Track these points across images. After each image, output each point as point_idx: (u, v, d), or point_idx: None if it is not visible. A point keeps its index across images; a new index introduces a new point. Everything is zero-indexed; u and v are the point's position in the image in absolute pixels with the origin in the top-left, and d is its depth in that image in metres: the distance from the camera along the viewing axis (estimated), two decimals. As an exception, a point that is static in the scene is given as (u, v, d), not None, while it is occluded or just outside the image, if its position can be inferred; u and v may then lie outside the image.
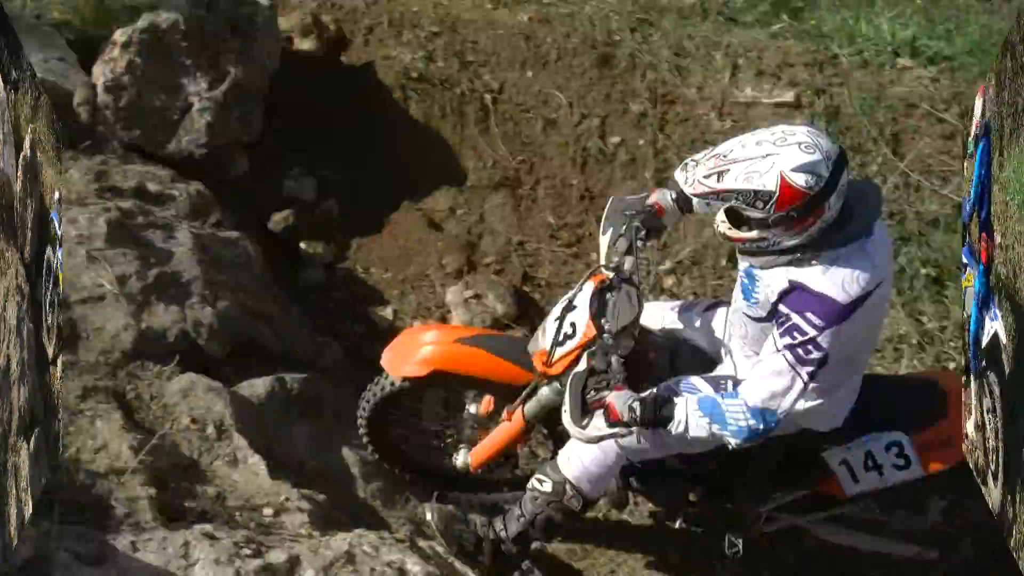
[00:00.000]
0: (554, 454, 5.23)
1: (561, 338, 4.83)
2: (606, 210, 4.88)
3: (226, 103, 6.84)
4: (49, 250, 4.27)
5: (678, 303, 5.14)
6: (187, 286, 5.85)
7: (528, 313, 6.86)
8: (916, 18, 7.92)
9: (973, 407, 4.71)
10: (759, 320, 4.51)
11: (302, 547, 4.79)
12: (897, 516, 5.32)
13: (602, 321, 4.69)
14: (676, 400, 4.46)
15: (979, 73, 7.12)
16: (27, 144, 3.93)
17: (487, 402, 5.48)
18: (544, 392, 5.05)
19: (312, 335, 6.40)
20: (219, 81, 6.87)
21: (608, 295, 4.72)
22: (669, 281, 7.13)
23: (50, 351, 4.31)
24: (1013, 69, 4.07)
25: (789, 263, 4.32)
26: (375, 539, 4.96)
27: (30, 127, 4.00)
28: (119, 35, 6.80)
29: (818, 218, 4.20)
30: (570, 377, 4.63)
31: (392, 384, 5.38)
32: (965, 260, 4.87)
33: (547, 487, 5.08)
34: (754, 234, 4.30)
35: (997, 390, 4.34)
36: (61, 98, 6.70)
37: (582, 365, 4.67)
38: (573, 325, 4.82)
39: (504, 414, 5.25)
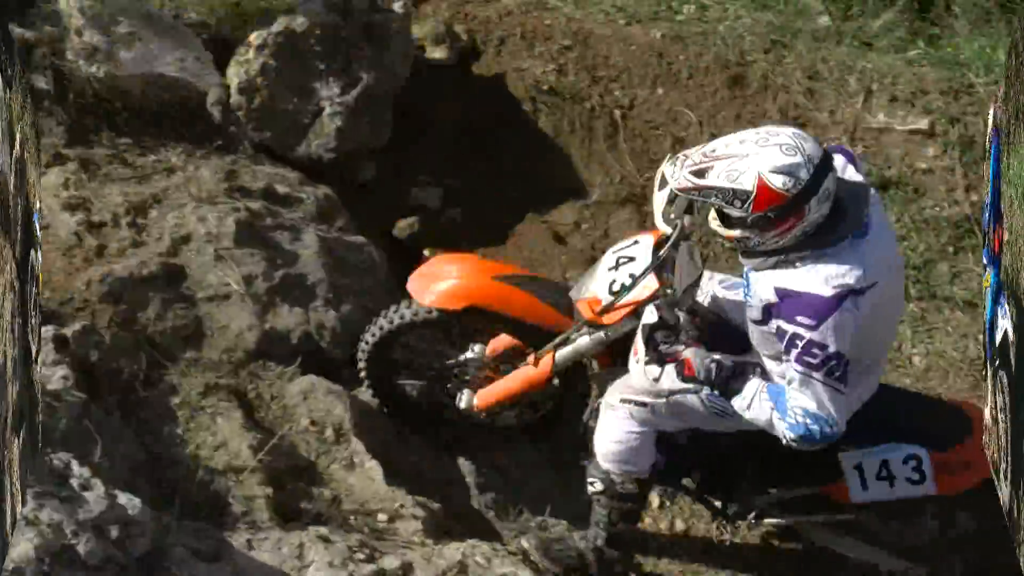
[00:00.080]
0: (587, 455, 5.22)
1: (617, 288, 4.76)
2: (663, 166, 4.74)
3: (357, 108, 6.86)
4: (32, 251, 4.31)
5: (726, 278, 5.02)
6: (312, 289, 5.87)
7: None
8: (1057, 48, 7.76)
9: (988, 406, 4.64)
10: (757, 323, 4.43)
11: (415, 555, 4.79)
12: (891, 528, 5.23)
13: (666, 276, 4.63)
14: (749, 376, 4.45)
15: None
16: (18, 142, 3.96)
17: (494, 345, 5.41)
18: (583, 341, 4.97)
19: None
20: (351, 86, 6.89)
21: (670, 252, 4.64)
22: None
23: (34, 348, 4.35)
24: (1016, 68, 4.00)
25: (775, 265, 4.27)
26: (488, 550, 4.95)
27: (19, 125, 4.03)
28: (254, 37, 6.86)
29: (798, 220, 4.15)
30: (640, 327, 4.57)
31: (415, 313, 5.27)
32: (984, 261, 4.80)
33: (599, 486, 5.11)
34: (737, 233, 4.27)
35: (1008, 388, 4.28)
36: (195, 98, 6.79)
37: (649, 317, 4.56)
38: (632, 276, 4.74)
39: (530, 358, 5.16)
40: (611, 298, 4.79)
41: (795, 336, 4.20)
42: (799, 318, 4.18)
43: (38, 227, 4.52)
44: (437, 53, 7.62)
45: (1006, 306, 4.24)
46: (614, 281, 4.78)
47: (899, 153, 7.28)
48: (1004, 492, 4.39)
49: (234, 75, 6.82)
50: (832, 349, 4.19)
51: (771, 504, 5.25)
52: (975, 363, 6.47)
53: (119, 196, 5.95)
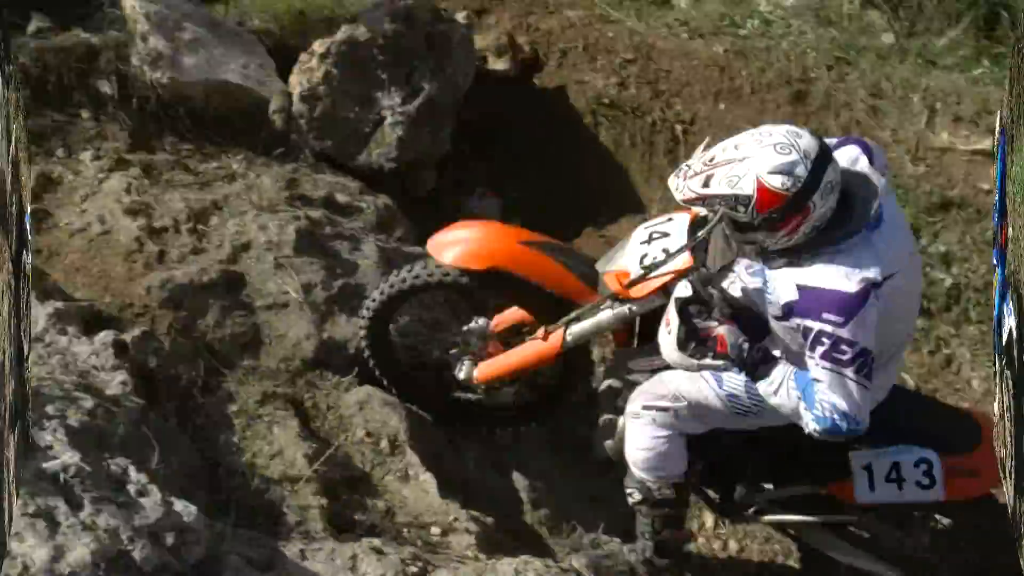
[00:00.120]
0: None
1: (649, 262, 4.71)
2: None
3: (418, 119, 6.88)
4: (24, 251, 4.32)
5: (751, 264, 4.96)
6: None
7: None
8: None
9: (996, 404, 4.61)
10: (778, 319, 4.38)
11: (468, 569, 4.77)
12: (885, 533, 5.19)
13: (700, 255, 4.59)
14: (779, 361, 4.43)
15: None
16: (13, 139, 3.98)
17: (500, 319, 5.36)
18: (605, 315, 4.89)
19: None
20: (412, 96, 6.91)
21: (707, 233, 4.57)
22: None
23: (26, 347, 4.36)
24: (1019, 68, 3.96)
25: (790, 264, 4.25)
26: (540, 567, 4.91)
27: (14, 124, 4.05)
28: (318, 46, 6.89)
29: (805, 217, 4.14)
30: (672, 299, 4.52)
31: (431, 274, 5.14)
32: (994, 260, 4.77)
33: (637, 496, 5.08)
34: (747, 236, 4.27)
35: (1012, 386, 4.25)
36: (257, 105, 6.83)
37: (683, 291, 4.51)
38: (665, 251, 4.68)
39: (540, 332, 5.09)
40: (641, 271, 4.72)
41: (821, 333, 4.17)
42: (825, 315, 4.15)
43: (29, 228, 4.55)
44: (499, 64, 7.63)
45: (1010, 303, 4.24)
46: (646, 255, 4.73)
47: (962, 173, 7.23)
48: (1009, 490, 4.40)
49: (296, 83, 6.86)
50: (860, 346, 4.17)
51: (771, 501, 5.22)
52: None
53: (180, 202, 5.97)
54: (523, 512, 5.61)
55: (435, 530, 5.04)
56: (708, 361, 4.49)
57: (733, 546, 5.78)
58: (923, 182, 7.16)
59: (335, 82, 6.81)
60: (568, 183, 7.22)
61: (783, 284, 4.26)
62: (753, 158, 4.11)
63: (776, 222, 4.14)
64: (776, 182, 4.06)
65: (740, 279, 4.48)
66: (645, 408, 4.85)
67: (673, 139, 7.36)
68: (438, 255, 5.10)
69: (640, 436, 4.93)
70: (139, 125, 6.60)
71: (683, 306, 4.46)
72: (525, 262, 5.00)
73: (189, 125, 6.68)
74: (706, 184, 4.17)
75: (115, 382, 4.89)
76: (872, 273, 4.15)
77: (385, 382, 5.58)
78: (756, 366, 4.43)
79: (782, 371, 4.42)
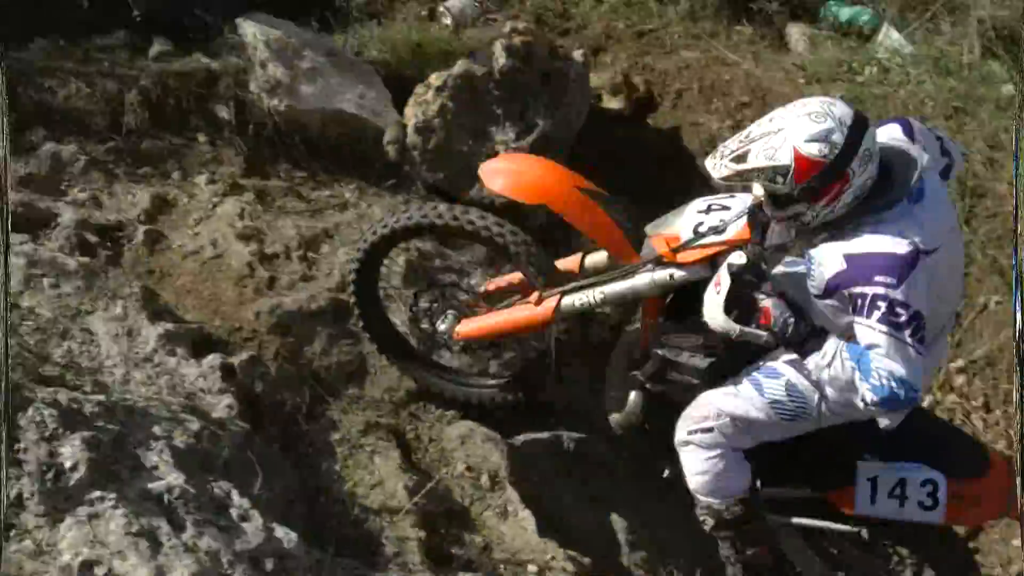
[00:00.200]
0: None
1: (704, 230, 4.64)
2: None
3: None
4: (6, 255, 4.34)
5: (792, 260, 4.84)
6: (476, 333, 5.86)
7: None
8: None
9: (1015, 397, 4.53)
10: (820, 297, 4.34)
11: (564, 609, 4.75)
12: (881, 551, 5.13)
13: (757, 232, 4.54)
14: (829, 335, 4.40)
15: None
16: (4, 137, 4.01)
17: (496, 281, 5.30)
18: (644, 278, 4.77)
19: (594, 394, 6.34)
20: (527, 132, 6.92)
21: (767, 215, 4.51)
22: (960, 379, 6.86)
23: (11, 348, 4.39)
24: None
25: (833, 237, 4.22)
26: (637, 610, 4.88)
27: (4, 120, 4.08)
28: (434, 78, 6.93)
29: (844, 184, 4.14)
30: (726, 264, 4.44)
31: (455, 218, 5.03)
32: (1013, 260, 4.70)
33: (710, 521, 5.01)
34: (788, 211, 4.26)
35: (1019, 384, 4.17)
36: (372, 135, 6.88)
37: (738, 259, 4.43)
38: (723, 222, 4.62)
39: (532, 297, 5.01)
40: (694, 237, 4.66)
41: (876, 297, 4.11)
42: (878, 278, 4.10)
43: (8, 230, 4.57)
44: (614, 103, 7.63)
45: (1019, 296, 4.21)
46: (701, 223, 4.67)
47: (1062, 222, 7.10)
48: (1017, 485, 4.35)
49: (411, 115, 6.89)
50: (914, 308, 4.11)
51: (766, 500, 5.12)
52: None
53: (292, 229, 6.03)
54: (620, 554, 5.57)
55: (532, 568, 5.01)
56: (750, 330, 4.44)
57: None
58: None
59: (450, 115, 6.84)
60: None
61: (829, 257, 4.23)
62: (788, 128, 4.12)
63: (816, 191, 4.14)
64: (813, 149, 4.08)
65: (779, 271, 4.56)
66: (690, 434, 4.81)
67: (786, 184, 7.28)
68: (489, 181, 5.03)
69: (693, 462, 4.88)
70: (254, 151, 6.68)
71: (736, 272, 4.41)
72: (577, 206, 4.90)
73: (303, 153, 6.74)
74: (743, 160, 4.19)
75: (221, 405, 4.92)
76: (917, 242, 4.11)
77: (361, 324, 5.52)
78: (805, 340, 4.42)
79: (834, 343, 4.39)
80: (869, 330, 4.17)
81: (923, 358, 4.19)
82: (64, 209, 5.90)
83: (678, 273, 4.71)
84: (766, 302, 4.42)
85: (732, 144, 4.26)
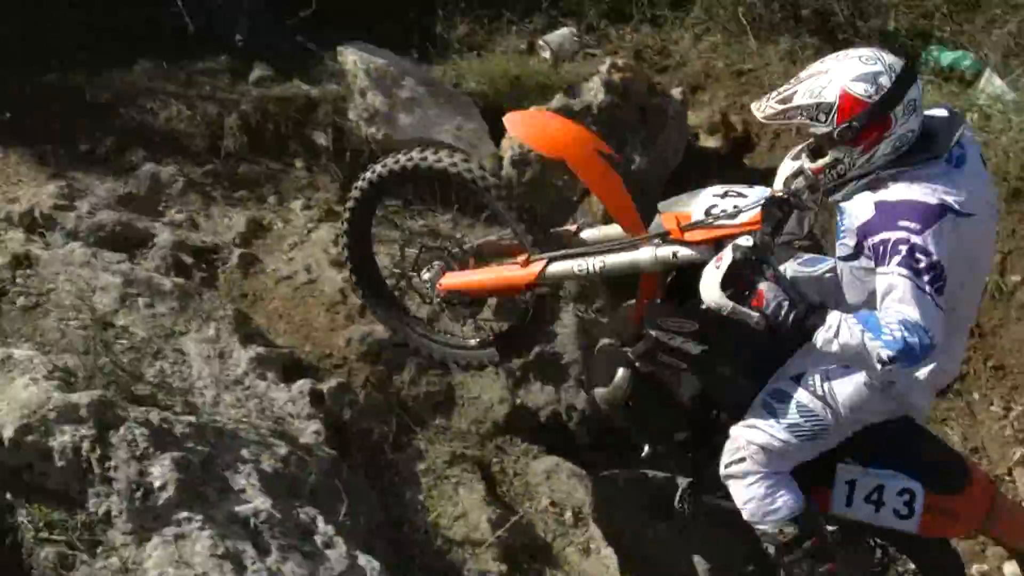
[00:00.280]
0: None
1: (717, 212, 4.56)
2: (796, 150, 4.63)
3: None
4: None
5: (806, 258, 4.72)
6: (565, 368, 5.85)
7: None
8: None
9: None
10: (847, 259, 4.30)
11: (643, 650, 4.71)
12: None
13: (768, 224, 4.45)
14: (829, 308, 4.26)
15: None
16: None
17: (486, 241, 5.19)
18: (646, 253, 4.64)
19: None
20: (622, 168, 6.89)
21: (784, 211, 4.40)
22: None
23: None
24: None
25: (868, 187, 4.21)
26: (716, 652, 4.84)
27: None
28: (532, 112, 6.94)
29: (884, 130, 4.13)
30: (731, 245, 4.32)
31: (468, 170, 4.91)
32: None
33: (771, 548, 4.87)
34: (828, 158, 4.23)
35: None
36: (468, 166, 6.88)
37: (745, 241, 4.32)
38: (736, 208, 4.54)
39: (520, 258, 4.89)
40: (706, 219, 4.58)
41: (898, 241, 4.06)
42: (902, 223, 4.06)
43: None
44: (710, 142, 7.61)
45: None
46: (715, 206, 4.60)
47: None
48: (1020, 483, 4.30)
49: (508, 147, 6.90)
50: (935, 257, 4.04)
51: None
52: None
53: (386, 257, 6.03)
54: (702, 595, 5.54)
55: (613, 606, 4.99)
56: (742, 309, 4.32)
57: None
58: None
59: (546, 149, 6.83)
60: (771, 264, 7.14)
61: (860, 206, 4.20)
62: (837, 68, 4.15)
63: (856, 132, 4.13)
64: (860, 88, 4.09)
65: (792, 270, 4.49)
66: (727, 467, 4.74)
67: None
68: (514, 128, 5.01)
69: (738, 493, 4.80)
70: (350, 178, 6.69)
71: (741, 252, 4.36)
72: (594, 169, 4.82)
73: (399, 182, 6.77)
74: (789, 99, 4.20)
75: (309, 431, 4.94)
76: (951, 198, 4.08)
77: (349, 267, 5.43)
78: (805, 318, 4.26)
79: (837, 315, 4.25)
80: (886, 275, 4.13)
81: (941, 312, 4.11)
82: (161, 230, 5.97)
83: (682, 251, 4.61)
84: (761, 285, 4.32)
85: (781, 88, 4.28)
